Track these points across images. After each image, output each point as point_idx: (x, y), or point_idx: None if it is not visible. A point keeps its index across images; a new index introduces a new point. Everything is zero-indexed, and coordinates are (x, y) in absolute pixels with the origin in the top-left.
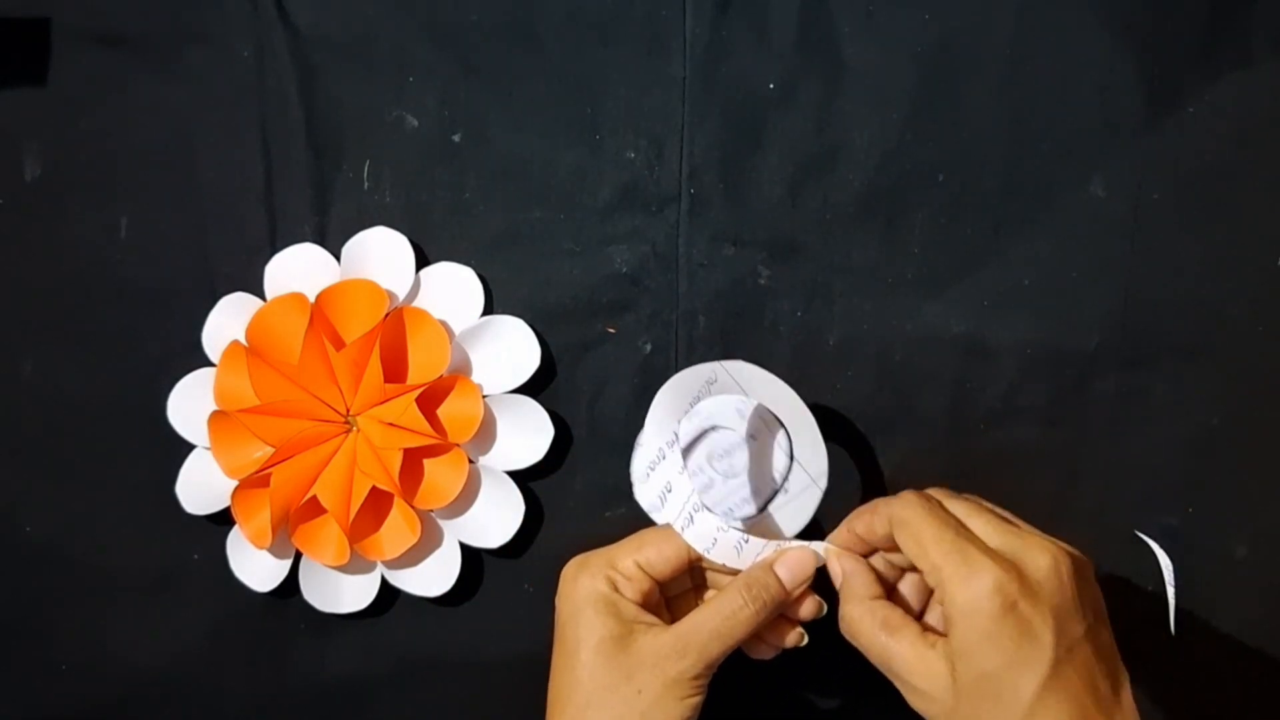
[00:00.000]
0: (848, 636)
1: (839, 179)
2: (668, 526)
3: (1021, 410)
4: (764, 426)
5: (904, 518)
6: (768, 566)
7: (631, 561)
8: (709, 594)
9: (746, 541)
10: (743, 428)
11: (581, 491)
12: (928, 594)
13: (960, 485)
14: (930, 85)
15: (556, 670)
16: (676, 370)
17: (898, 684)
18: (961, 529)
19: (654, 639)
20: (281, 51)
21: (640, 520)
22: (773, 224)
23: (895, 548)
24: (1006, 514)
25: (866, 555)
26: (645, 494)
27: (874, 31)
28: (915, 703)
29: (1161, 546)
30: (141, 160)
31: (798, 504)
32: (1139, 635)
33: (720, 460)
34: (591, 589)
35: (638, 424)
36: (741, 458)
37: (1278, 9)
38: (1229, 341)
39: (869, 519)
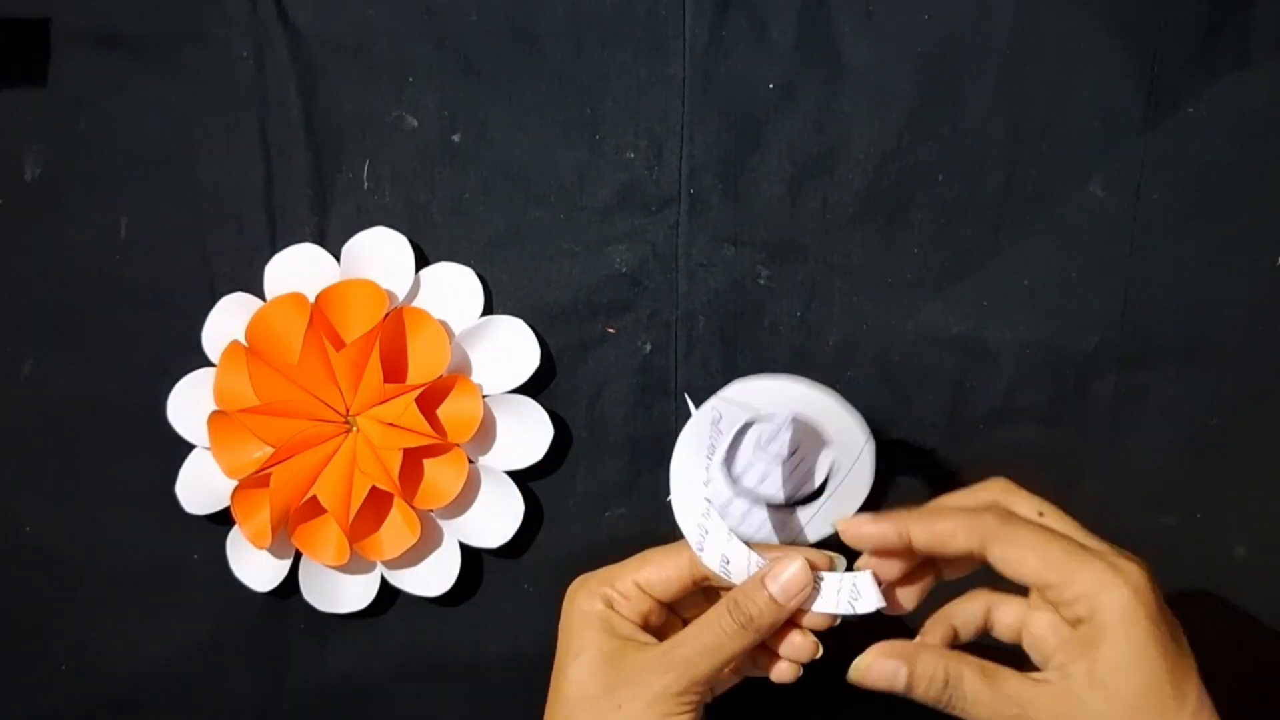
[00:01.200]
0: (948, 708)
1: (839, 179)
2: (672, 546)
3: (1021, 410)
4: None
5: (1009, 534)
6: (758, 580)
7: (630, 581)
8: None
9: (823, 579)
10: (784, 411)
11: (581, 491)
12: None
13: (960, 485)
14: (930, 85)
15: (551, 689)
16: (677, 370)
17: None
18: (1070, 540)
19: (641, 657)
20: (281, 51)
21: (638, 521)
22: (773, 224)
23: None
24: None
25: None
26: (708, 563)
27: (874, 31)
28: None
29: (1161, 546)
30: (141, 160)
31: (854, 475)
32: None
33: (769, 445)
34: (587, 607)
35: (638, 424)
36: (786, 437)
37: (1277, 9)
38: (1229, 341)
39: (943, 532)
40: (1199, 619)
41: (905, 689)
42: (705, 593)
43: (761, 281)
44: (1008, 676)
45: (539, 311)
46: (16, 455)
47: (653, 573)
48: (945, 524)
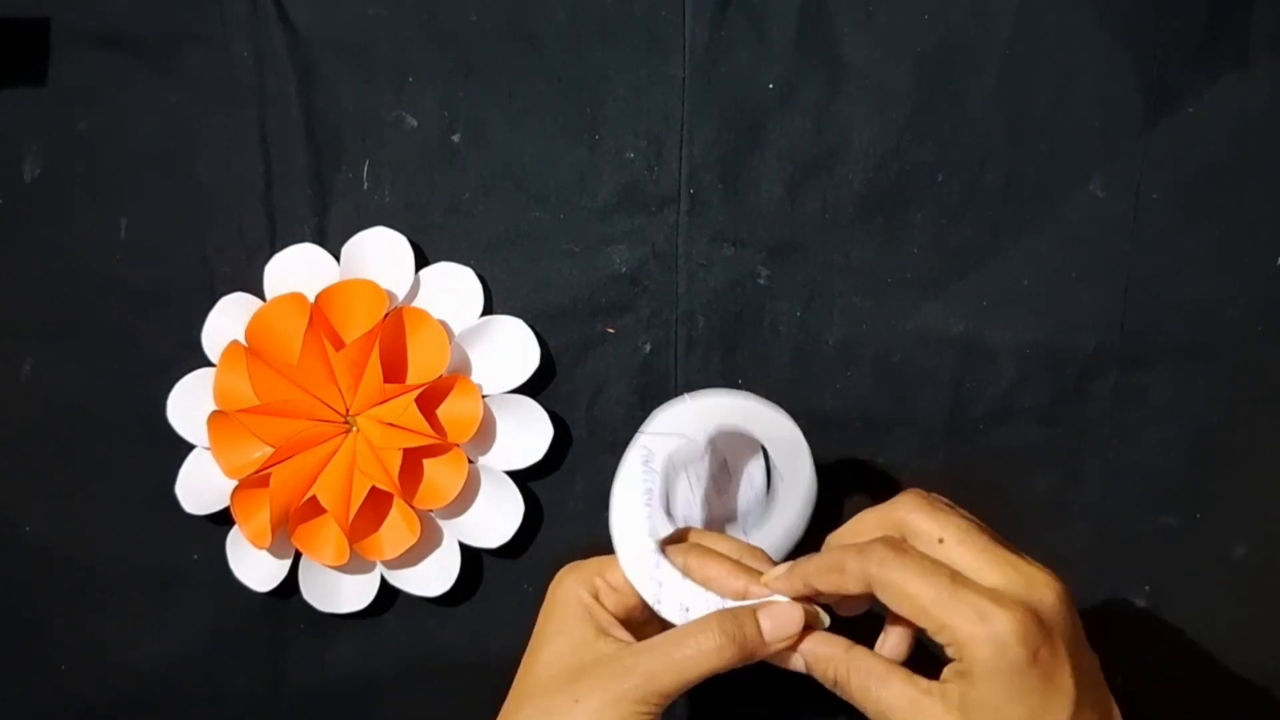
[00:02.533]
0: (838, 693)
1: (839, 179)
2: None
3: (1021, 410)
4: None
5: (886, 578)
6: (751, 611)
7: (620, 573)
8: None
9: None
10: (702, 435)
11: (581, 491)
12: (911, 639)
13: (960, 485)
14: (930, 85)
15: (520, 668)
16: (677, 370)
17: None
18: (954, 575)
19: (612, 652)
20: (281, 52)
21: None
22: (772, 224)
23: (860, 599)
24: (980, 527)
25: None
26: (668, 615)
27: (874, 31)
28: None
29: (1161, 546)
30: (141, 160)
31: (796, 476)
32: (1137, 635)
33: (691, 471)
34: (572, 593)
35: (637, 424)
36: (705, 461)
37: (1276, 9)
38: (1229, 341)
39: (835, 579)
40: (1199, 619)
41: (806, 671)
42: None
43: (761, 281)
44: (898, 682)
45: (539, 311)
46: (16, 455)
47: None
48: (835, 575)
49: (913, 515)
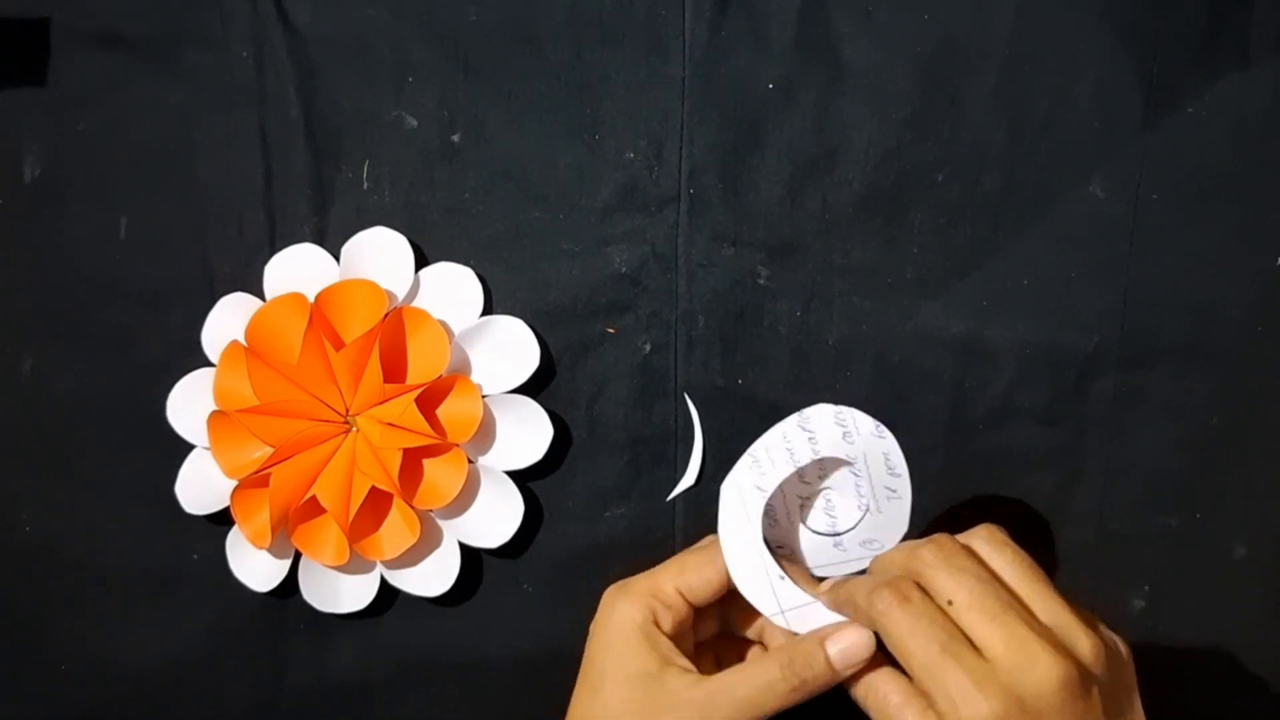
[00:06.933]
0: (859, 705)
1: (839, 179)
2: (707, 548)
3: (1021, 410)
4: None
5: (884, 627)
6: (819, 641)
7: (673, 588)
8: (752, 651)
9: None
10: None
11: (581, 491)
12: None
13: (960, 485)
14: (930, 85)
15: (577, 700)
16: (677, 370)
17: None
18: (951, 639)
19: (682, 688)
20: (281, 52)
21: (638, 521)
22: (772, 224)
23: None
24: (995, 590)
25: None
26: (794, 626)
27: (874, 31)
28: None
29: (1161, 546)
30: (141, 160)
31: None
32: (1138, 635)
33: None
34: (629, 618)
35: (638, 424)
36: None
37: (1276, 9)
38: (1229, 341)
39: (850, 611)
40: (1199, 619)
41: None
42: (730, 595)
43: (761, 281)
44: (910, 718)
45: (539, 311)
46: (16, 455)
47: (694, 578)
48: (849, 608)
49: (929, 569)
